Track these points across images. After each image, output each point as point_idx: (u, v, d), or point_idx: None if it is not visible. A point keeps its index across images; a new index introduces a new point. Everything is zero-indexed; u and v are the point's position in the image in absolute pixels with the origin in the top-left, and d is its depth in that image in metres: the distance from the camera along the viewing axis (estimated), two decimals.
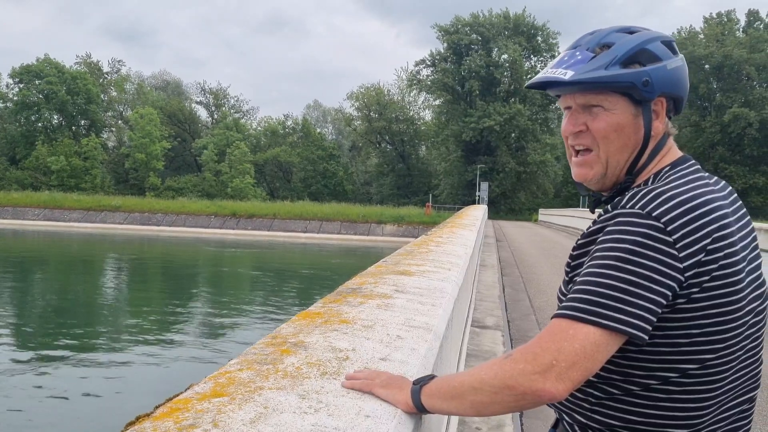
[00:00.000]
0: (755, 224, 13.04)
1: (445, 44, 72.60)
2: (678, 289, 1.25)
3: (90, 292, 22.83)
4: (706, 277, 1.26)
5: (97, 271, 29.15)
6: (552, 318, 1.28)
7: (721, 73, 67.85)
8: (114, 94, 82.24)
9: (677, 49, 1.47)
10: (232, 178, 69.51)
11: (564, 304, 1.27)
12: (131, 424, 1.16)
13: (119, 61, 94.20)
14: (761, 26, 70.36)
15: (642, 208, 1.27)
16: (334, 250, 41.51)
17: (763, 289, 1.40)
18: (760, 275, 1.41)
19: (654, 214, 1.26)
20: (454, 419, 4.15)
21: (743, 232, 1.38)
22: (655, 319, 1.24)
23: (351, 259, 34.81)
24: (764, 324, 1.42)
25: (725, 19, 71.89)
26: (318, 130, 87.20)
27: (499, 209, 67.03)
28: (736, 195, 1.46)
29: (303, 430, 1.13)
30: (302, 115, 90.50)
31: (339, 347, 1.70)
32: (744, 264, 1.33)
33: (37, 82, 70.49)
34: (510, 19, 72.91)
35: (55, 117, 74.89)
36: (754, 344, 1.38)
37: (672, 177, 1.39)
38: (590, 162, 1.47)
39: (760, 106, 64.75)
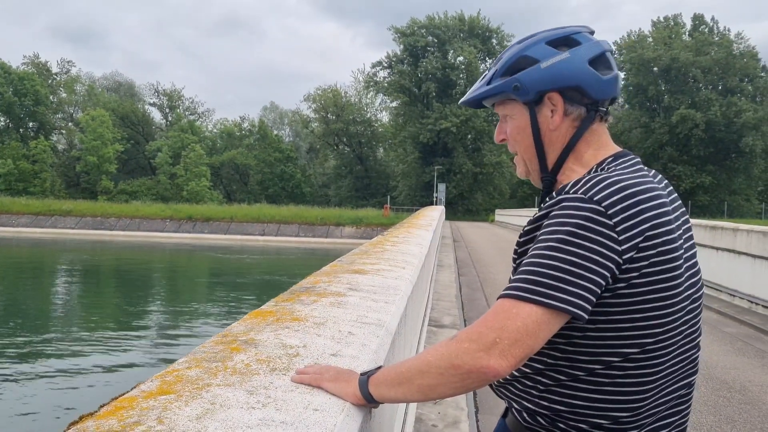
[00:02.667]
0: (699, 221, 13.41)
1: (402, 46, 72.91)
2: (617, 272, 1.30)
3: (39, 296, 22.18)
4: (645, 263, 1.31)
5: (47, 276, 28.34)
6: (497, 299, 1.31)
7: (668, 76, 69.86)
8: (64, 95, 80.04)
9: (581, 39, 1.51)
10: (187, 181, 68.45)
11: (509, 285, 1.32)
12: (74, 423, 1.14)
13: (69, 62, 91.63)
14: (706, 30, 72.75)
15: (584, 193, 1.33)
16: (292, 253, 41.25)
17: (698, 277, 1.47)
18: (696, 263, 1.47)
19: (595, 199, 1.31)
20: (411, 417, 4.18)
21: (679, 222, 1.44)
22: (594, 300, 1.28)
23: (309, 261, 34.63)
24: (701, 311, 1.48)
25: (672, 23, 74.09)
26: (275, 132, 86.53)
27: (456, 210, 67.61)
28: (672, 188, 1.53)
29: (250, 424, 1.13)
30: (259, 117, 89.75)
31: (290, 344, 1.70)
32: (682, 252, 1.39)
33: None
34: (465, 21, 73.71)
35: (2, 119, 72.57)
36: (691, 330, 1.44)
37: (614, 166, 1.45)
38: (517, 161, 1.62)
39: (706, 108, 66.87)
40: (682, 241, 1.41)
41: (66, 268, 31.38)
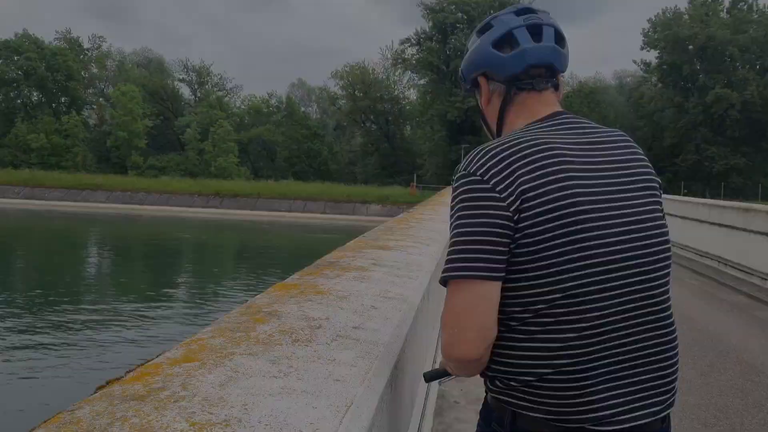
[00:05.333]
0: (732, 203, 13.14)
1: (431, 23, 72.06)
2: (514, 226, 1.33)
3: (70, 268, 22.68)
4: (527, 222, 1.32)
5: (79, 248, 28.94)
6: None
7: (704, 54, 68.04)
8: (95, 70, 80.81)
9: (494, 23, 1.58)
10: (215, 157, 68.91)
11: (443, 270, 1.40)
12: (101, 387, 1.17)
13: (100, 37, 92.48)
14: (744, 7, 70.53)
15: (465, 168, 1.43)
16: (318, 230, 41.48)
17: (640, 236, 1.39)
18: (647, 226, 1.41)
19: (472, 170, 1.39)
20: (433, 393, 4.20)
21: (609, 181, 1.40)
22: (504, 258, 1.33)
23: (335, 237, 34.81)
24: (653, 269, 1.40)
25: (710, 0, 71.98)
26: (302, 109, 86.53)
27: None
28: (626, 143, 1.51)
29: (272, 392, 1.14)
30: (286, 93, 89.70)
31: (313, 316, 1.72)
32: (595, 214, 1.35)
33: (15, 58, 69.15)
34: None
35: (35, 94, 73.57)
36: (636, 286, 1.37)
37: (525, 128, 1.48)
38: None
39: (742, 88, 65.09)
40: (603, 200, 1.36)
41: (97, 241, 31.99)
